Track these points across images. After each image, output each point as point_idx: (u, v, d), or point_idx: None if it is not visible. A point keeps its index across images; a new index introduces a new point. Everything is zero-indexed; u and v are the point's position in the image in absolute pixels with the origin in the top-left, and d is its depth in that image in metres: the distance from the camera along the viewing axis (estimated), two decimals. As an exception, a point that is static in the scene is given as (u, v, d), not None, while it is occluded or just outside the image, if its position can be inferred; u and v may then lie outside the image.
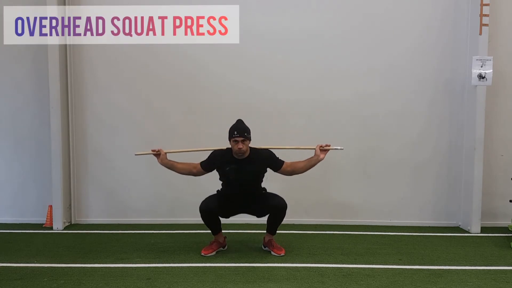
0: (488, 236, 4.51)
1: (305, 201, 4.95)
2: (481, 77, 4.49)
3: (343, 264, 3.59)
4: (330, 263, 3.59)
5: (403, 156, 4.90)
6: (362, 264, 3.59)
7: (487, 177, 4.77)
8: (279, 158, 3.84)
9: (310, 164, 3.79)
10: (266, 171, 3.86)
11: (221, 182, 3.90)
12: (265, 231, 3.92)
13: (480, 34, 4.51)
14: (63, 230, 4.70)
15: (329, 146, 3.77)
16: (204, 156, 3.89)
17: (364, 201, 4.95)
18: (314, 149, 3.78)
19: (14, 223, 4.91)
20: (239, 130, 3.65)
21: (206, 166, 3.84)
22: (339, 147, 3.78)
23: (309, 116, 4.88)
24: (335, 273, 3.38)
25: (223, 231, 3.94)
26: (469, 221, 4.67)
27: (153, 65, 4.89)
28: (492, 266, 3.58)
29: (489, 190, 4.82)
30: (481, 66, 4.48)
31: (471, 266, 3.58)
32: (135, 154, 4.02)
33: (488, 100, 4.67)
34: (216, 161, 3.81)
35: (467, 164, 4.75)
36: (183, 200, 4.93)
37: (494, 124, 4.83)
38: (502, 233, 4.54)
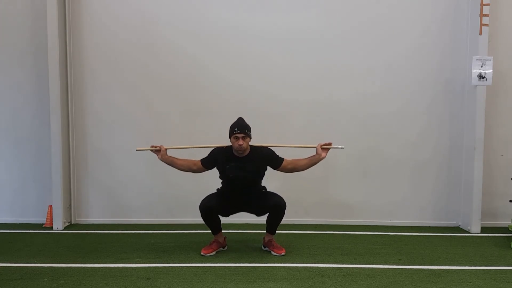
0: (488, 236, 4.51)
1: (305, 201, 4.95)
2: (481, 77, 4.49)
3: (343, 264, 3.59)
4: (330, 263, 3.59)
5: (403, 156, 4.90)
6: (362, 264, 3.59)
7: (487, 177, 4.77)
8: (279, 155, 3.85)
9: (311, 162, 3.80)
10: (266, 169, 3.87)
11: (221, 180, 3.90)
12: (265, 231, 3.92)
13: (480, 34, 4.51)
14: (63, 230, 4.70)
15: (331, 144, 3.78)
16: (204, 153, 3.89)
17: (364, 201, 4.95)
18: (315, 147, 3.79)
19: (14, 223, 4.91)
20: (240, 127, 3.66)
21: (207, 163, 3.85)
22: (340, 146, 3.78)
23: (309, 116, 4.89)
24: (335, 273, 3.38)
25: (223, 231, 3.94)
26: (469, 221, 4.68)
27: (153, 65, 4.89)
28: (492, 266, 3.58)
29: (489, 190, 4.82)
30: (481, 66, 4.48)
31: (471, 266, 3.58)
32: (136, 150, 4.02)
33: (488, 100, 4.68)
34: (216, 158, 3.82)
35: (467, 164, 4.75)
36: (183, 200, 4.93)
37: (494, 124, 4.83)
38: (502, 233, 4.54)
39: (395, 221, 4.93)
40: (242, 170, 3.71)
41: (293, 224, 4.84)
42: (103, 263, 3.57)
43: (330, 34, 4.84)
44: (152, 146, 3.86)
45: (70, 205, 4.94)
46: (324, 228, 4.74)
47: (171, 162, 3.87)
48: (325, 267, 3.51)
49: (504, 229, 4.58)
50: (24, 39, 4.85)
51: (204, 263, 3.58)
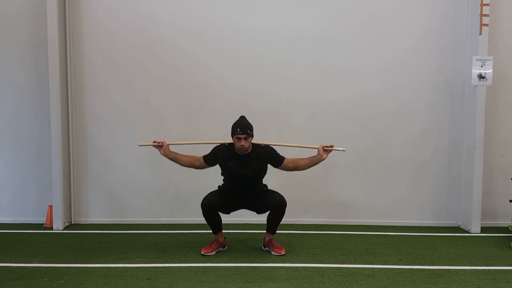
0: (488, 236, 4.52)
1: (305, 201, 4.95)
2: (481, 77, 4.49)
3: (343, 264, 3.59)
4: (330, 263, 3.59)
5: (403, 156, 4.90)
6: (362, 264, 3.59)
7: (487, 177, 4.77)
8: (280, 154, 3.86)
9: (312, 163, 3.84)
10: (267, 167, 3.88)
11: (222, 177, 3.91)
12: (265, 231, 3.92)
13: (480, 34, 4.51)
14: (63, 230, 4.70)
15: (333, 146, 3.79)
16: (206, 149, 3.90)
17: (364, 201, 4.95)
18: (317, 148, 3.80)
19: (14, 223, 4.91)
20: (242, 127, 3.66)
21: (209, 160, 3.87)
22: (341, 149, 3.79)
23: (309, 116, 4.89)
24: (335, 273, 3.38)
25: (223, 231, 3.94)
26: (469, 221, 4.68)
27: (153, 65, 4.89)
28: (492, 266, 3.58)
29: (489, 190, 4.82)
30: (481, 66, 4.48)
31: (471, 266, 3.58)
32: (139, 145, 4.02)
33: (488, 100, 4.68)
34: (218, 156, 3.83)
35: (467, 164, 4.75)
36: (183, 200, 4.94)
37: (494, 124, 4.83)
38: (502, 233, 4.55)
39: (395, 221, 4.93)
40: (243, 168, 3.73)
41: (293, 224, 4.84)
42: (103, 263, 3.57)
43: (330, 34, 4.84)
44: (154, 142, 3.86)
45: (70, 205, 4.94)
46: (324, 228, 4.74)
47: (174, 158, 3.88)
48: (325, 267, 3.51)
49: (504, 229, 4.58)
50: (24, 39, 4.84)
51: (204, 263, 3.58)
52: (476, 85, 4.55)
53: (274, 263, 3.59)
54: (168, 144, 3.85)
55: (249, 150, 3.75)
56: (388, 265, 3.58)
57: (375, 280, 3.23)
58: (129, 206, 4.98)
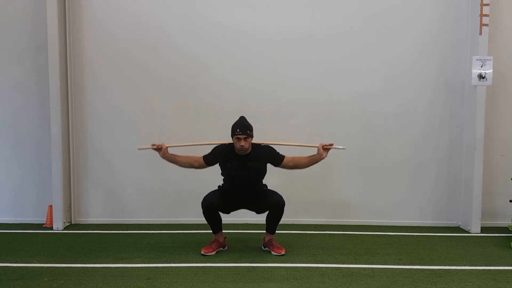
0: (488, 236, 4.52)
1: (305, 200, 4.95)
2: (481, 77, 4.49)
3: (343, 264, 3.59)
4: (330, 263, 3.59)
5: (403, 156, 4.90)
6: (362, 264, 3.59)
7: (487, 177, 4.77)
8: (280, 153, 3.87)
9: (312, 161, 3.85)
10: (267, 167, 3.89)
11: (222, 177, 3.91)
12: (265, 231, 3.92)
13: (480, 34, 4.51)
14: (63, 230, 4.70)
15: (332, 145, 3.80)
16: (205, 150, 3.90)
17: (364, 201, 4.95)
18: (317, 147, 3.81)
19: (14, 223, 4.91)
20: (242, 128, 3.67)
21: (208, 160, 3.87)
22: (341, 147, 3.80)
23: (309, 116, 4.88)
24: (335, 273, 3.38)
25: (223, 231, 3.94)
26: (469, 221, 4.68)
27: (153, 65, 4.89)
28: (492, 266, 3.58)
29: (489, 190, 4.82)
30: (481, 66, 4.48)
31: (471, 266, 3.58)
32: (138, 148, 4.04)
33: (488, 100, 4.68)
34: (218, 156, 3.84)
35: (467, 164, 4.75)
36: (183, 200, 4.94)
37: (494, 124, 4.83)
38: (502, 233, 4.55)
39: (395, 221, 4.93)
40: (243, 168, 3.73)
41: (293, 224, 4.84)
42: (103, 263, 3.57)
43: (330, 34, 4.84)
44: (153, 145, 3.87)
45: (70, 205, 4.94)
46: (324, 228, 4.74)
47: (173, 160, 3.89)
48: (325, 267, 3.51)
49: (504, 229, 4.58)
50: (24, 39, 4.84)
51: (204, 263, 3.58)
52: (476, 85, 4.55)
53: (274, 263, 3.59)
54: (167, 147, 3.86)
55: (249, 150, 3.75)
56: (388, 265, 3.58)
57: (375, 280, 3.23)
58: (129, 206, 4.98)
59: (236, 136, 3.68)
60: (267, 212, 3.84)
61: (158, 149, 3.86)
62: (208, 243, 3.91)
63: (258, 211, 3.93)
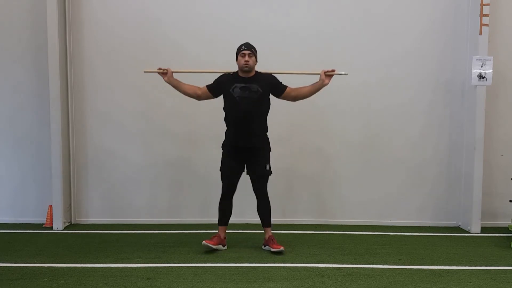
0: (488, 236, 4.52)
1: (305, 200, 4.94)
2: (481, 77, 4.49)
3: (343, 264, 3.59)
4: (330, 263, 3.59)
5: (403, 156, 4.90)
6: (362, 264, 3.59)
7: (487, 177, 4.77)
8: (282, 83, 3.94)
9: (314, 89, 3.90)
10: (270, 100, 3.92)
11: (225, 122, 3.94)
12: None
13: (480, 34, 4.52)
14: (63, 230, 4.70)
15: (334, 71, 3.84)
16: (210, 79, 3.98)
17: (364, 201, 4.95)
18: (319, 74, 3.85)
19: (14, 223, 4.91)
20: (247, 45, 3.82)
21: (212, 88, 3.94)
22: (343, 73, 3.83)
23: (309, 117, 4.87)
24: (335, 273, 3.38)
25: (224, 230, 3.96)
26: (469, 221, 4.68)
27: (154, 65, 4.85)
28: (492, 266, 3.58)
29: (489, 190, 4.82)
30: (481, 66, 4.48)
31: (471, 266, 3.58)
32: (144, 71, 4.08)
33: (488, 100, 4.68)
34: (222, 82, 3.91)
35: (467, 164, 4.75)
36: (183, 200, 4.93)
37: (494, 124, 4.83)
38: (502, 233, 4.55)
39: (395, 221, 4.93)
40: (247, 90, 3.79)
41: (293, 224, 4.84)
42: (103, 263, 3.57)
43: (329, 33, 4.84)
44: (159, 69, 3.94)
45: (70, 205, 4.94)
46: (324, 228, 4.73)
47: (177, 85, 3.96)
48: (325, 267, 3.51)
49: (504, 229, 4.58)
50: (24, 39, 4.84)
51: (204, 263, 3.58)
52: (476, 85, 4.55)
53: (274, 263, 3.58)
54: (172, 72, 3.93)
55: (253, 73, 3.84)
56: (388, 265, 3.58)
57: (375, 280, 3.23)
58: (129, 206, 4.98)
59: (241, 53, 3.79)
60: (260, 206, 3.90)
61: (164, 73, 3.92)
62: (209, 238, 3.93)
63: (248, 171, 3.93)
